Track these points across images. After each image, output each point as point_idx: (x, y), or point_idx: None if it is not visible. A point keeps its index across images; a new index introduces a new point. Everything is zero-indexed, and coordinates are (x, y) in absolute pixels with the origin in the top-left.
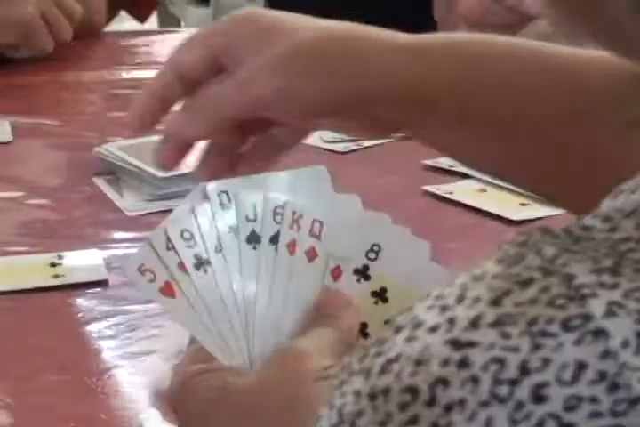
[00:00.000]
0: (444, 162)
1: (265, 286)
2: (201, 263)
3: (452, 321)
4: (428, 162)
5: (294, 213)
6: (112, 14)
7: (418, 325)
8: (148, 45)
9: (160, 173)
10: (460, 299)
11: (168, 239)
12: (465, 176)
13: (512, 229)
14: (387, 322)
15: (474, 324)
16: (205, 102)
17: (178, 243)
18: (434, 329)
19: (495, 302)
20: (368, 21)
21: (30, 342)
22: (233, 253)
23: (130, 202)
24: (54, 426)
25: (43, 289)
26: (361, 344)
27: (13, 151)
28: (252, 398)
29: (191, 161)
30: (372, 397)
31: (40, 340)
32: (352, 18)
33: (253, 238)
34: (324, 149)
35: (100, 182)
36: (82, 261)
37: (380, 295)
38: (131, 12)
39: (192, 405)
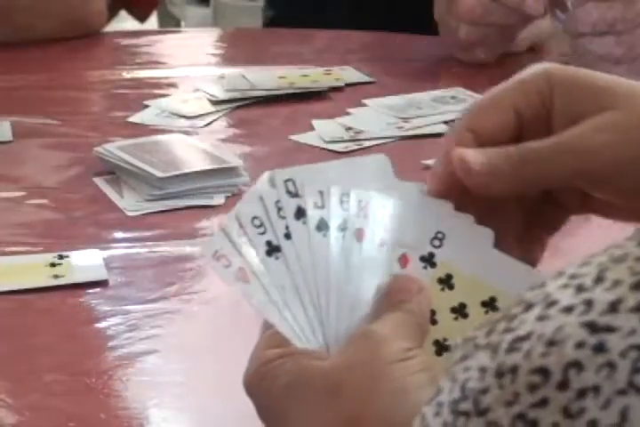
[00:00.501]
0: None
1: (336, 271)
2: (272, 250)
3: (589, 303)
4: (428, 162)
5: (360, 201)
6: (112, 14)
7: (551, 303)
8: (147, 45)
9: (160, 173)
10: (599, 280)
11: (240, 225)
12: None
13: None
14: (454, 310)
15: (613, 307)
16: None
17: (249, 229)
18: (569, 310)
19: (638, 287)
20: (368, 21)
21: (30, 342)
22: (302, 240)
23: (130, 202)
24: (54, 426)
25: (43, 289)
26: (488, 318)
27: (13, 151)
28: (333, 378)
29: (191, 161)
30: (499, 374)
31: (40, 340)
32: (352, 18)
33: (322, 226)
34: (324, 149)
35: (100, 182)
36: (82, 261)
37: (447, 282)
38: (131, 12)
39: (270, 389)
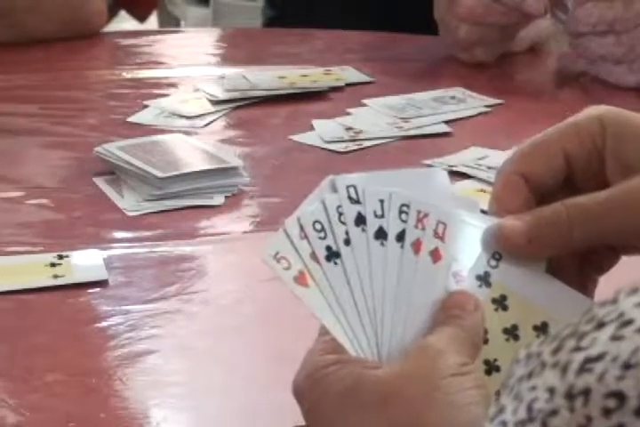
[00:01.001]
0: (444, 162)
1: (392, 282)
2: (332, 255)
3: None
4: (428, 162)
5: (419, 212)
6: (112, 14)
7: (626, 323)
8: (147, 45)
9: (160, 173)
10: None
11: (301, 228)
12: (465, 176)
13: None
14: (506, 331)
15: None
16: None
17: (310, 233)
18: None
19: None
20: (368, 21)
21: (30, 342)
22: (361, 247)
23: (130, 202)
24: (54, 426)
25: (43, 289)
26: (552, 334)
27: (13, 151)
28: (387, 388)
29: (191, 161)
30: (570, 396)
31: (40, 340)
32: (352, 18)
33: (381, 235)
34: (325, 149)
35: (99, 182)
36: (82, 261)
37: (501, 303)
38: (131, 12)
39: (322, 395)
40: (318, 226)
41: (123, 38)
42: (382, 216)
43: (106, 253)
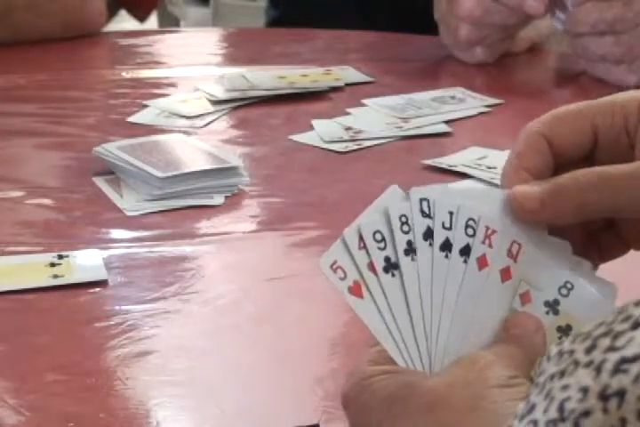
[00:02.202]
0: (444, 162)
1: (452, 296)
2: (390, 266)
3: None
4: (428, 162)
5: (487, 228)
6: (112, 14)
7: None
8: (147, 45)
9: (160, 173)
10: None
11: (360, 238)
12: (465, 176)
13: None
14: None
15: None
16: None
17: (370, 243)
18: None
19: None
20: (368, 21)
21: (30, 342)
22: (425, 259)
23: (130, 202)
24: (54, 426)
25: (42, 289)
26: (584, 331)
27: (13, 151)
28: (434, 394)
29: (191, 161)
30: (604, 397)
31: (40, 340)
32: (351, 18)
33: (446, 247)
34: (324, 149)
35: (100, 182)
36: (82, 261)
37: (565, 332)
38: (131, 12)
39: (368, 402)
40: (379, 236)
41: (123, 38)
42: (450, 228)
43: (106, 253)
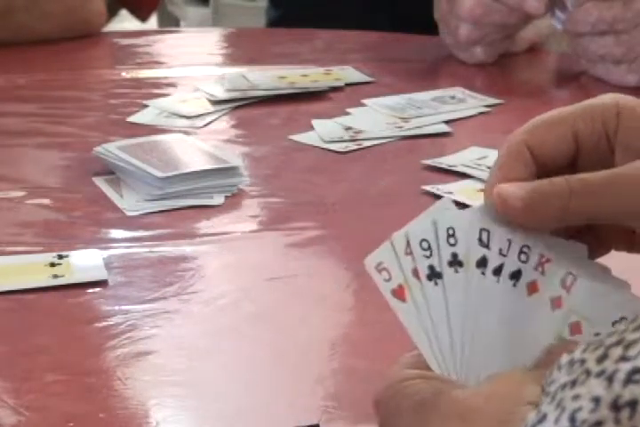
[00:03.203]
0: (444, 162)
1: (495, 315)
2: (433, 275)
3: None
4: (428, 162)
5: (542, 256)
6: (112, 14)
7: None
8: (147, 45)
9: (160, 173)
10: None
11: (408, 244)
12: (465, 176)
13: None
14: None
15: None
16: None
17: (416, 250)
18: None
19: None
20: (368, 22)
21: (30, 342)
22: (471, 277)
23: (130, 202)
24: (54, 426)
25: (42, 289)
26: (596, 340)
27: (13, 151)
28: (467, 405)
29: (191, 161)
30: (616, 408)
31: (40, 340)
32: (351, 18)
33: (497, 272)
34: (324, 149)
35: (100, 182)
36: (82, 261)
37: None
38: (132, 12)
39: (400, 405)
40: (425, 245)
41: (123, 38)
42: (505, 256)
43: (106, 253)
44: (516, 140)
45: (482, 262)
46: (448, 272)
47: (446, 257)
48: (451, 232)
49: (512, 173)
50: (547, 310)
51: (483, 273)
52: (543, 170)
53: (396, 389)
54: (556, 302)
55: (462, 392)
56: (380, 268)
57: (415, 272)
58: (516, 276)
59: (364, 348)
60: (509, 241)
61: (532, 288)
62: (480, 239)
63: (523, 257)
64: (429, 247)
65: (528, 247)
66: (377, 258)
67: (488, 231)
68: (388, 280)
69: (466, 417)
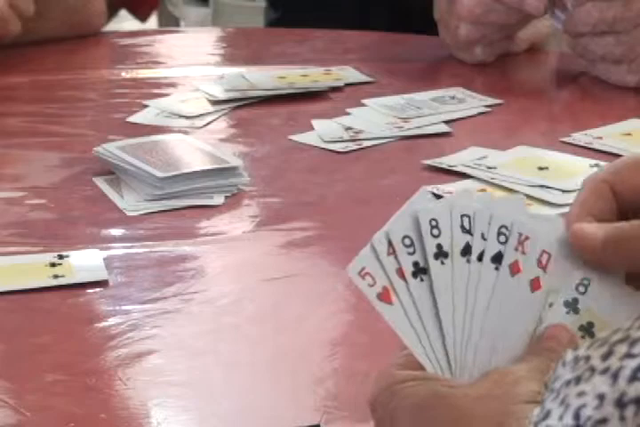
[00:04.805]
0: (444, 162)
1: (483, 304)
2: (418, 271)
3: None
4: (428, 162)
5: (520, 234)
6: (112, 14)
7: None
8: (147, 45)
9: (160, 173)
10: None
11: (389, 243)
12: (465, 176)
13: None
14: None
15: None
16: None
17: (399, 248)
18: None
19: None
20: (368, 22)
21: (31, 342)
22: (454, 265)
23: (130, 202)
24: (54, 426)
25: (43, 289)
26: (601, 337)
27: (13, 151)
28: (463, 407)
29: (191, 161)
30: (621, 405)
31: (40, 340)
32: (351, 18)
33: (480, 257)
34: (324, 149)
35: (99, 182)
36: (82, 261)
37: (588, 330)
38: (132, 12)
39: (397, 408)
40: (407, 241)
41: (122, 38)
42: (486, 239)
43: (106, 253)
44: (598, 177)
45: (466, 250)
46: (434, 265)
47: (431, 250)
48: (434, 223)
49: (593, 209)
50: (528, 294)
51: (468, 261)
52: (625, 209)
53: (393, 391)
54: (534, 284)
55: (457, 394)
56: (362, 273)
57: (399, 272)
58: (497, 259)
59: (364, 348)
60: (489, 224)
61: (515, 269)
62: (462, 226)
63: (502, 238)
64: (412, 243)
65: (506, 228)
66: (359, 264)
67: (469, 217)
68: (372, 285)
69: (463, 421)
